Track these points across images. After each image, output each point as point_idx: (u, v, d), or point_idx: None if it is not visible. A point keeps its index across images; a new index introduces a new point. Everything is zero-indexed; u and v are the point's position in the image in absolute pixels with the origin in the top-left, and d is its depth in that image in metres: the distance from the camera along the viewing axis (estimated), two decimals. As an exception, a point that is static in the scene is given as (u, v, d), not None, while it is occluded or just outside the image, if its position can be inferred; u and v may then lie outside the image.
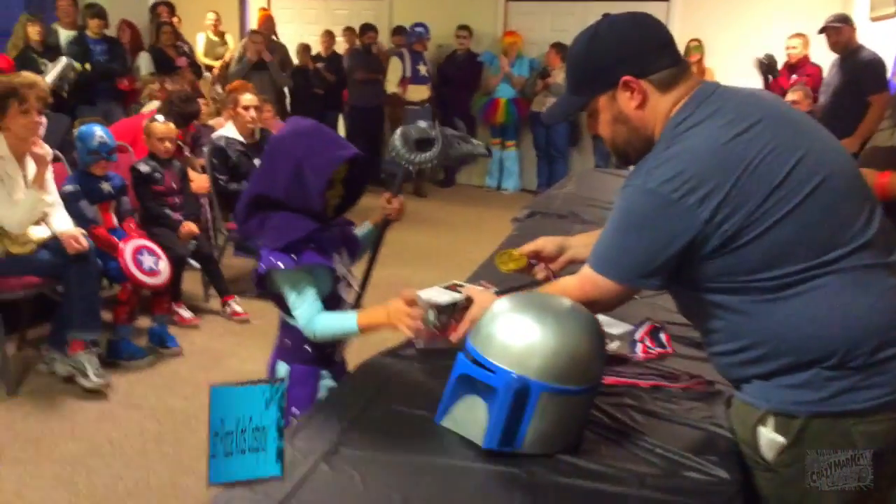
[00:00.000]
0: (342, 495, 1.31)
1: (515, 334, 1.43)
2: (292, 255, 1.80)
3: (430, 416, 1.55)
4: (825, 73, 5.84)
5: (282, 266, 1.80)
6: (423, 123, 2.18)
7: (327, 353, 1.95)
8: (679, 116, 1.44)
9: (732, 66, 6.95)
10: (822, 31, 5.42)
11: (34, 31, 6.15)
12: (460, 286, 1.79)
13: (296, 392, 1.90)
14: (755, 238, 1.35)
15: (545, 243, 1.97)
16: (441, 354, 1.75)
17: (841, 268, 1.36)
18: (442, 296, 1.73)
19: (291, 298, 1.84)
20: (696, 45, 7.21)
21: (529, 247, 1.98)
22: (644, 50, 1.47)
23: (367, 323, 1.79)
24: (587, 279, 1.52)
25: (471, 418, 1.49)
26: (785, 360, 1.39)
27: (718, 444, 1.51)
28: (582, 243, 1.95)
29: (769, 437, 1.42)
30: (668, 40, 1.50)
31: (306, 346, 1.89)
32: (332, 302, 1.90)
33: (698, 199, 1.34)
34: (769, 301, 1.38)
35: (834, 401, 1.36)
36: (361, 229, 2.15)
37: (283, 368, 1.96)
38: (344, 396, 1.67)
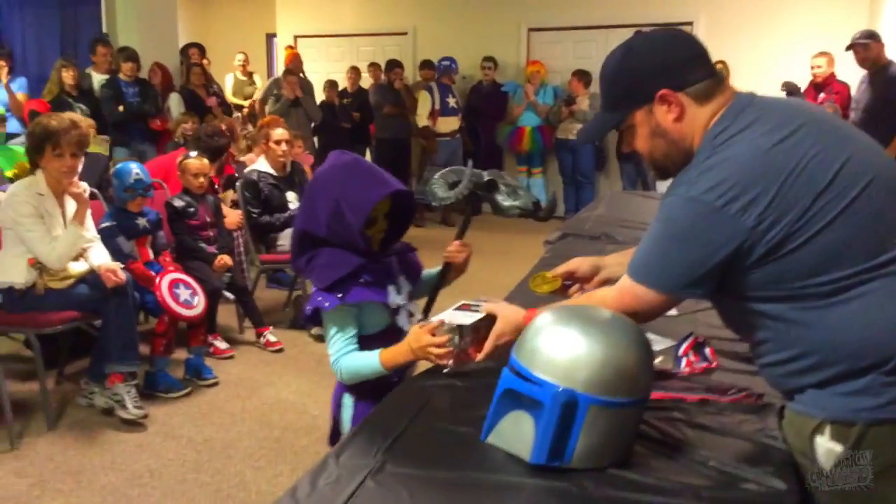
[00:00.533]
0: (391, 512, 1.29)
1: (561, 347, 1.41)
2: (338, 294, 1.80)
3: (475, 433, 1.53)
4: (853, 91, 5.79)
5: (327, 305, 1.80)
6: (458, 167, 2.16)
7: (393, 382, 1.92)
8: (717, 127, 1.42)
9: (757, 88, 6.89)
10: (849, 48, 5.39)
11: (68, 76, 6.32)
12: (474, 305, 1.79)
13: None
14: (803, 244, 1.32)
15: (579, 264, 1.96)
16: (483, 372, 1.74)
17: (892, 270, 1.33)
18: (462, 317, 1.74)
19: (328, 336, 1.86)
20: (721, 67, 7.19)
21: (563, 268, 1.97)
22: (679, 63, 1.46)
23: (391, 359, 1.80)
24: (626, 290, 1.50)
25: (517, 434, 1.46)
26: (840, 367, 1.35)
27: (773, 455, 1.47)
28: (616, 262, 1.93)
29: (827, 447, 1.37)
30: (702, 52, 1.49)
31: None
32: (390, 334, 1.90)
33: (742, 206, 1.32)
34: (820, 308, 1.35)
35: (893, 407, 1.32)
36: (430, 270, 2.13)
37: (349, 401, 1.95)
38: (387, 415, 1.65)
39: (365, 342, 1.87)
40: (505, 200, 2.07)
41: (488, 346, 1.72)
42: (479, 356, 1.73)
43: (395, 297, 1.93)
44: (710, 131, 1.43)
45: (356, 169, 1.85)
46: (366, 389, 1.91)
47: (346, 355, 1.83)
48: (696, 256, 1.39)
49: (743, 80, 7.22)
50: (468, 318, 1.74)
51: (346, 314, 1.84)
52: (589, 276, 1.93)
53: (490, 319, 1.72)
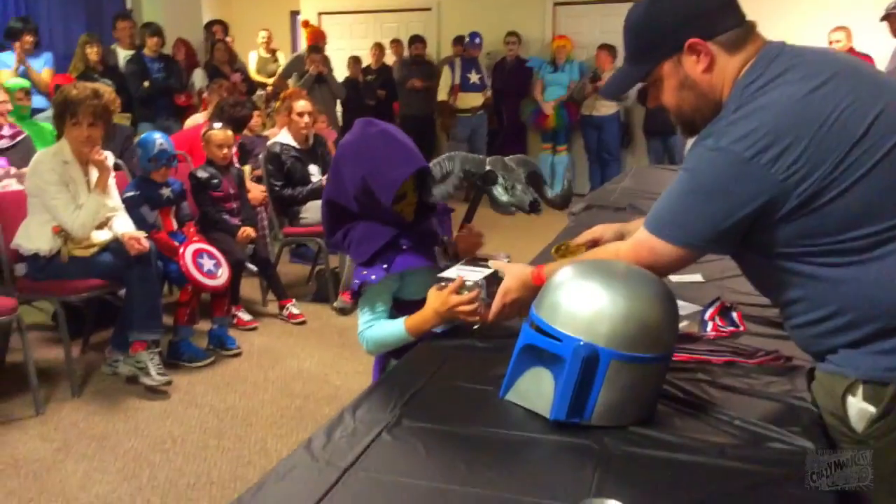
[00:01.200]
0: (405, 463, 1.27)
1: (582, 301, 1.37)
2: (383, 265, 1.77)
3: (494, 391, 1.50)
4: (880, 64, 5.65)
5: (374, 278, 1.77)
6: (453, 154, 1.98)
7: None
8: (748, 77, 1.37)
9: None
10: (884, 18, 5.25)
11: (93, 52, 6.33)
12: (481, 261, 1.79)
13: None
14: (836, 197, 1.27)
15: (603, 230, 1.91)
16: (505, 332, 1.71)
17: None
18: (474, 273, 1.73)
19: (360, 308, 1.82)
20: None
21: (587, 235, 1.92)
22: (708, 10, 1.40)
23: (416, 326, 1.76)
24: (642, 244, 1.45)
25: (537, 390, 1.43)
26: (875, 325, 1.29)
27: (801, 415, 1.42)
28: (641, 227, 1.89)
29: (859, 407, 1.32)
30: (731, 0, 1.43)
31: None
32: None
33: (773, 157, 1.27)
34: (854, 264, 1.29)
35: (930, 365, 1.27)
36: None
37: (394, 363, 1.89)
38: (405, 373, 1.63)
39: (412, 307, 1.82)
40: (501, 195, 1.89)
41: (496, 303, 1.70)
42: (490, 315, 1.71)
43: (442, 261, 1.90)
44: (740, 81, 1.38)
45: (382, 142, 1.78)
46: None
47: (373, 326, 1.81)
48: (720, 210, 1.33)
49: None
50: (480, 273, 1.73)
51: (383, 286, 1.80)
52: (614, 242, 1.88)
53: (496, 277, 1.72)
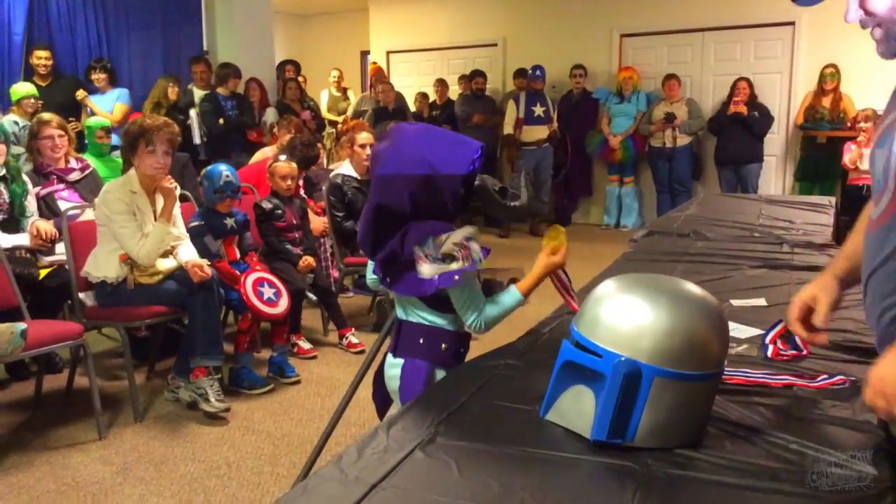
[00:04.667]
0: (436, 481, 1.22)
1: (624, 315, 1.31)
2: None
3: (535, 411, 1.45)
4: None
5: (482, 255, 1.76)
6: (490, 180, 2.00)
7: (461, 352, 1.93)
8: None
9: (869, 90, 6.54)
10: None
11: (172, 92, 6.59)
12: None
13: None
14: None
15: (819, 293, 1.50)
16: (550, 353, 1.65)
17: None
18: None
19: (463, 299, 1.81)
20: (832, 72, 6.85)
21: (798, 303, 1.55)
22: None
23: (528, 286, 1.88)
24: None
25: (577, 409, 1.37)
26: None
27: (866, 440, 1.32)
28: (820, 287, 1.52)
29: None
30: None
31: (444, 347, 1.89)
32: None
33: None
34: None
35: None
36: None
37: (440, 374, 1.87)
38: (445, 391, 1.59)
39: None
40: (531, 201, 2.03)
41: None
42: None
43: None
44: None
45: (434, 133, 1.80)
46: (443, 361, 1.87)
47: (486, 308, 1.84)
48: None
49: (853, 82, 6.85)
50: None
51: (473, 273, 1.78)
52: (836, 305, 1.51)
53: None
